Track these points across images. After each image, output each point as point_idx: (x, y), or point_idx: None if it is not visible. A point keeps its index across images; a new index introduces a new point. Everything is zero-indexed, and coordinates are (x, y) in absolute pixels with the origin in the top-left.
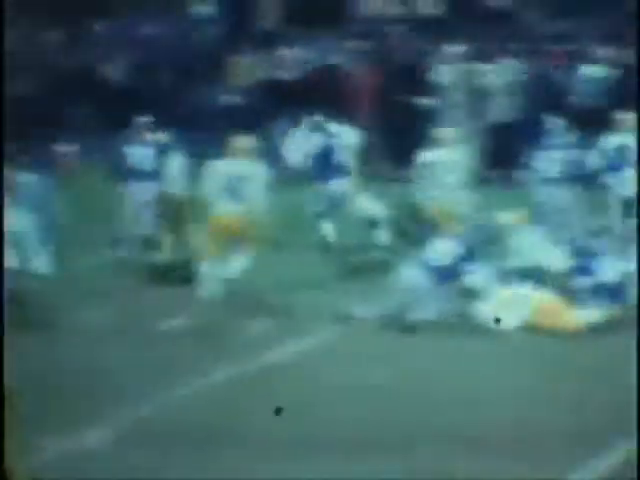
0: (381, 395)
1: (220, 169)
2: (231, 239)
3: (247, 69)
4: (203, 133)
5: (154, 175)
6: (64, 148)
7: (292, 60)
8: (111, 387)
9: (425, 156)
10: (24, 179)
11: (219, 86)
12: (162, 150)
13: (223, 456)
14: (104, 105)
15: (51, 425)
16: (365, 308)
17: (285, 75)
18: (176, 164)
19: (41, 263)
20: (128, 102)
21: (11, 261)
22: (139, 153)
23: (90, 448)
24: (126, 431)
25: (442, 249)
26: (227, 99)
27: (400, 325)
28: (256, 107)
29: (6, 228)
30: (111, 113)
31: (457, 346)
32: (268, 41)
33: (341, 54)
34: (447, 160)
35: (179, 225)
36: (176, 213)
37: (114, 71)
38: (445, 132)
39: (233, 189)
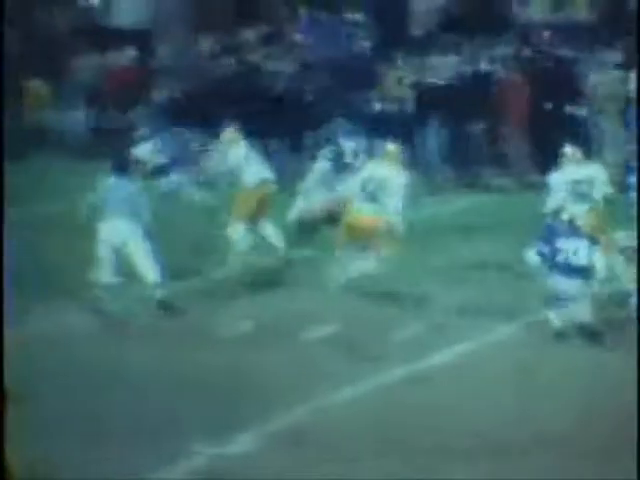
0: (532, 403)
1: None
2: (363, 239)
3: (400, 76)
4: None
5: None
6: None
7: (444, 67)
8: (259, 394)
9: (558, 174)
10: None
11: (372, 93)
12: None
13: (370, 465)
14: (259, 111)
15: (202, 430)
16: (510, 315)
17: (437, 82)
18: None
19: (156, 272)
20: (281, 107)
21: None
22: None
23: (238, 453)
24: (273, 438)
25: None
26: (381, 106)
27: (551, 330)
28: (408, 114)
29: (111, 239)
30: (263, 118)
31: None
32: (420, 48)
33: (493, 61)
34: (581, 177)
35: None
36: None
37: (266, 77)
38: (571, 151)
39: (371, 191)
